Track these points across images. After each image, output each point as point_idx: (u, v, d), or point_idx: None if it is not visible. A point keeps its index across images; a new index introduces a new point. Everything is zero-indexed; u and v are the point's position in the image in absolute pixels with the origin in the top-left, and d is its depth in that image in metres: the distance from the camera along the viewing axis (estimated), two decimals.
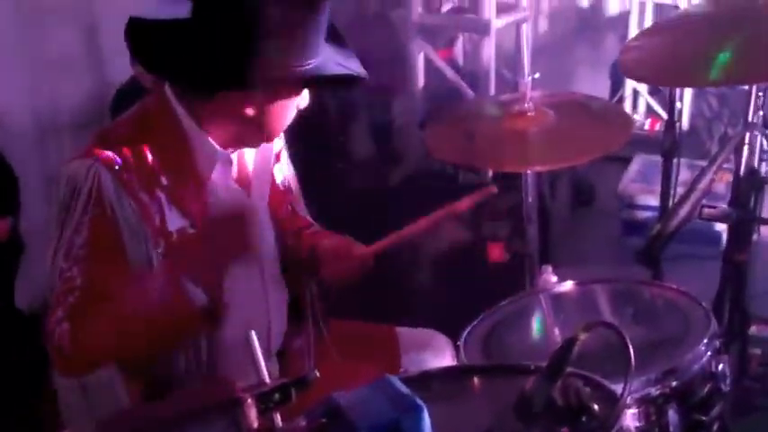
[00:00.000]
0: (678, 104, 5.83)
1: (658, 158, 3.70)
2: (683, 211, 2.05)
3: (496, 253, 4.05)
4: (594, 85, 5.53)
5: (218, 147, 2.08)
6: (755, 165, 2.27)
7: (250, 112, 2.02)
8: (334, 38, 2.12)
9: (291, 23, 1.94)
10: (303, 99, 2.09)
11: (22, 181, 4.29)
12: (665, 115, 4.94)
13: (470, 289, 3.15)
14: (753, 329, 3.03)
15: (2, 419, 4.04)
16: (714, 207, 2.07)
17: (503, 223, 4.02)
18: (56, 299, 1.95)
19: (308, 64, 1.99)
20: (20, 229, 4.27)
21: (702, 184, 2.05)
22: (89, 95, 4.81)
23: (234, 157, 2.15)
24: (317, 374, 1.33)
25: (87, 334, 1.90)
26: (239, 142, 2.13)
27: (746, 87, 4.04)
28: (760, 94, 3.10)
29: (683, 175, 3.41)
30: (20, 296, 4.40)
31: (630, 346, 1.41)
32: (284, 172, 2.38)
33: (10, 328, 4.42)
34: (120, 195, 1.97)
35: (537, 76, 2.46)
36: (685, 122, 6.48)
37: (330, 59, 2.06)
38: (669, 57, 2.18)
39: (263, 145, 2.20)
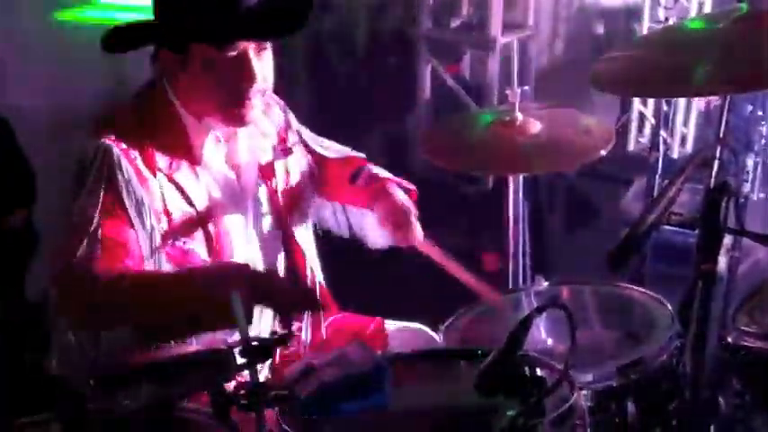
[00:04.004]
0: (683, 129, 5.97)
1: (660, 181, 3.84)
2: (652, 217, 2.17)
3: (491, 262, 4.17)
4: (605, 107, 5.63)
5: (208, 128, 2.25)
6: (731, 181, 2.38)
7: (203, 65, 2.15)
8: None
9: None
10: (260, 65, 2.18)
11: (39, 175, 4.45)
12: (669, 139, 5.10)
13: (463, 294, 3.26)
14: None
15: (9, 408, 4.18)
16: (681, 214, 2.20)
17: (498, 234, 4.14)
18: (72, 236, 2.08)
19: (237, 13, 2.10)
20: (35, 222, 4.43)
21: (671, 193, 2.17)
22: (108, 93, 4.96)
23: (222, 141, 2.30)
24: (296, 333, 1.48)
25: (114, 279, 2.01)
26: (222, 117, 2.23)
27: (747, 114, 4.19)
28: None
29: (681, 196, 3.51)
30: (30, 288, 4.54)
31: (574, 323, 1.56)
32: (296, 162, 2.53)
33: (19, 319, 4.57)
34: (128, 171, 2.14)
35: (526, 88, 2.60)
36: (690, 147, 6.59)
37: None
38: (637, 68, 2.30)
39: (252, 136, 2.36)
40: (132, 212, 2.12)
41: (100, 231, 2.08)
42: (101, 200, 2.11)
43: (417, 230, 2.43)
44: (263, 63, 2.20)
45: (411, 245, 2.44)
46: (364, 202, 2.55)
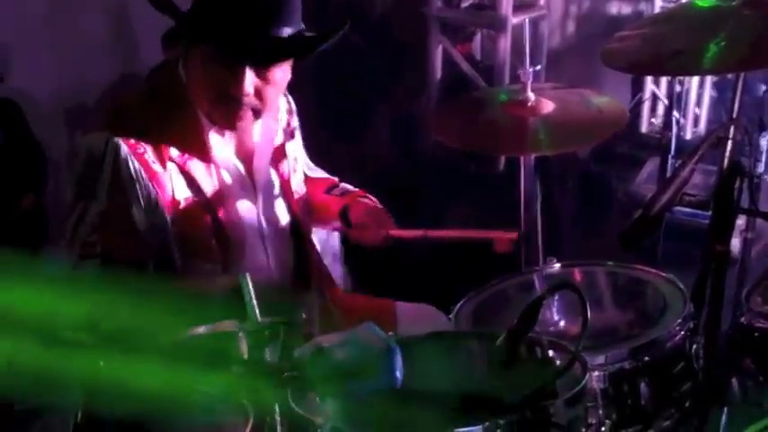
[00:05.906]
0: (696, 110, 5.95)
1: (673, 161, 3.83)
2: (665, 198, 2.15)
3: (503, 243, 4.14)
4: (618, 88, 5.59)
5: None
6: (745, 162, 2.36)
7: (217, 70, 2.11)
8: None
9: None
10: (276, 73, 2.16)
11: (49, 160, 4.46)
12: (682, 119, 5.07)
13: (475, 275, 3.25)
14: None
15: None
16: (694, 195, 2.18)
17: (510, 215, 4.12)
18: (72, 243, 2.08)
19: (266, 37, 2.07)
20: (45, 205, 4.44)
21: (684, 173, 2.16)
22: (117, 78, 4.95)
23: (227, 135, 2.26)
24: (304, 316, 1.47)
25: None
26: (210, 114, 2.20)
27: (761, 95, 4.16)
28: None
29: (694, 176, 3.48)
30: None
31: (587, 305, 1.54)
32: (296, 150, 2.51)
33: None
34: (135, 166, 2.11)
35: (538, 68, 2.57)
36: (702, 128, 6.55)
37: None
38: (649, 46, 2.27)
39: (265, 123, 2.33)
40: (137, 216, 2.11)
41: (99, 248, 2.07)
42: (105, 208, 2.09)
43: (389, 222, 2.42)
44: (266, 80, 2.16)
45: (389, 238, 2.41)
46: (334, 212, 2.53)
